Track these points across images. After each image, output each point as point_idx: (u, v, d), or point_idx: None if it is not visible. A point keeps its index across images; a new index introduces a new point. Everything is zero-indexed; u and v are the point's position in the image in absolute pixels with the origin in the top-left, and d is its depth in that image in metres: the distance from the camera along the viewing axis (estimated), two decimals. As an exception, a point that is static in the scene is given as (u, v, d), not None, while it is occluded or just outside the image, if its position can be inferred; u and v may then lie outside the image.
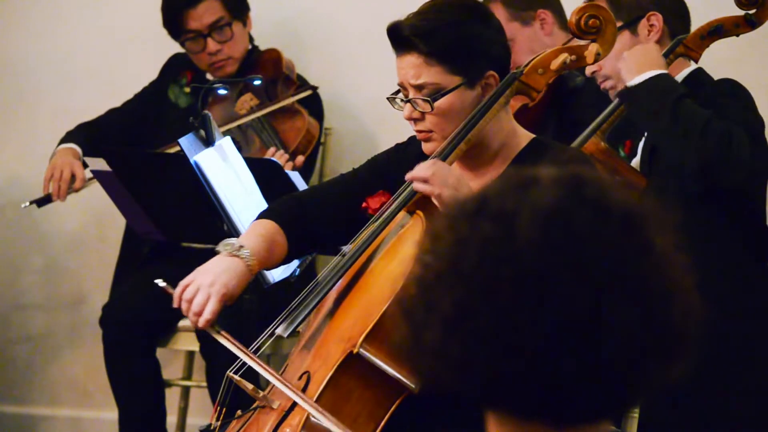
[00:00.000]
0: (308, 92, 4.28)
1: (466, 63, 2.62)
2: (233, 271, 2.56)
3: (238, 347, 2.51)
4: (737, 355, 3.22)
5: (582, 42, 2.72)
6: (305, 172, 4.20)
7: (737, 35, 3.38)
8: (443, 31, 2.60)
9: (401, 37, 2.63)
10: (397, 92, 2.69)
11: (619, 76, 3.29)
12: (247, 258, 2.57)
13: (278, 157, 4.10)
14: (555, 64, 2.65)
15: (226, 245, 2.61)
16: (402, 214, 2.58)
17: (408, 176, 2.57)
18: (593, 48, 2.65)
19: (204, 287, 2.53)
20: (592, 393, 1.23)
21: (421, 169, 2.55)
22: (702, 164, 3.07)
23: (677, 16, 3.37)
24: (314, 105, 4.40)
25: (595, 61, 2.66)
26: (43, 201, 4.28)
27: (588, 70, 3.38)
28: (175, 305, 2.56)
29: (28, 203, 4.30)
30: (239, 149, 4.19)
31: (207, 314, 2.51)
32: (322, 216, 2.75)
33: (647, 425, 2.80)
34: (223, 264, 2.58)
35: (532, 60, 2.69)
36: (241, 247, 2.59)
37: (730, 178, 3.12)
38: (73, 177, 4.24)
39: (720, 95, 3.21)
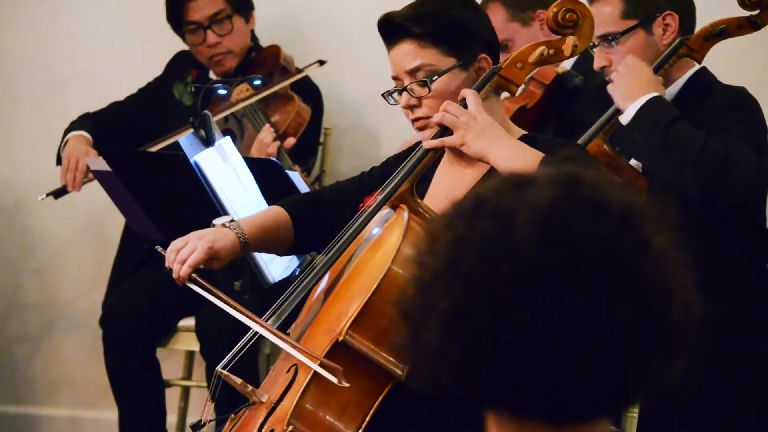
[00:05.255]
0: (299, 75, 4.29)
1: (458, 44, 2.67)
2: (222, 235, 2.66)
3: (222, 298, 2.57)
4: (737, 355, 3.22)
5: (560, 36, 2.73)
6: (299, 158, 4.20)
7: (740, 36, 3.37)
8: (434, 15, 2.66)
9: (393, 25, 2.68)
10: (393, 90, 2.71)
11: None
12: (237, 230, 2.68)
13: (267, 132, 4.11)
14: (533, 57, 2.68)
15: (218, 219, 2.73)
16: (386, 208, 2.59)
17: (441, 109, 2.59)
18: (570, 41, 2.67)
19: (192, 240, 2.64)
20: (592, 391, 1.23)
21: (453, 107, 2.59)
22: (702, 191, 3.06)
23: (688, 16, 3.35)
24: (315, 101, 4.41)
25: (572, 54, 2.69)
26: (59, 192, 4.29)
27: (596, 65, 3.34)
28: (166, 264, 2.65)
29: (44, 195, 4.31)
30: (234, 139, 4.20)
31: (190, 260, 2.60)
32: (332, 213, 2.80)
33: (647, 425, 2.80)
34: (214, 230, 2.69)
35: (511, 55, 2.71)
36: (232, 221, 2.71)
37: (732, 200, 3.12)
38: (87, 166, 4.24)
39: (722, 108, 3.18)
